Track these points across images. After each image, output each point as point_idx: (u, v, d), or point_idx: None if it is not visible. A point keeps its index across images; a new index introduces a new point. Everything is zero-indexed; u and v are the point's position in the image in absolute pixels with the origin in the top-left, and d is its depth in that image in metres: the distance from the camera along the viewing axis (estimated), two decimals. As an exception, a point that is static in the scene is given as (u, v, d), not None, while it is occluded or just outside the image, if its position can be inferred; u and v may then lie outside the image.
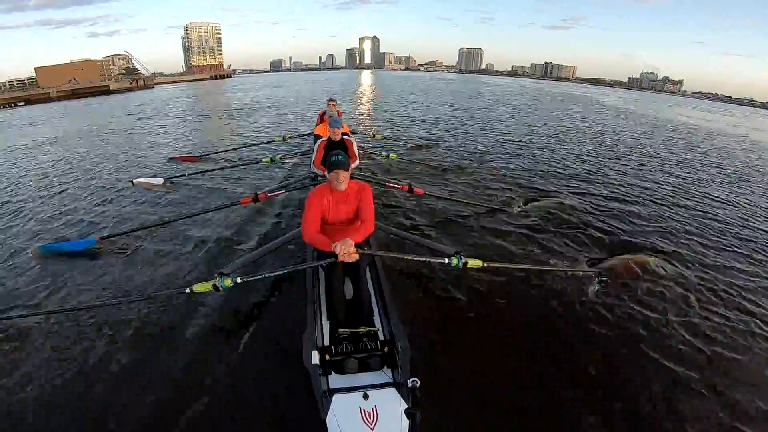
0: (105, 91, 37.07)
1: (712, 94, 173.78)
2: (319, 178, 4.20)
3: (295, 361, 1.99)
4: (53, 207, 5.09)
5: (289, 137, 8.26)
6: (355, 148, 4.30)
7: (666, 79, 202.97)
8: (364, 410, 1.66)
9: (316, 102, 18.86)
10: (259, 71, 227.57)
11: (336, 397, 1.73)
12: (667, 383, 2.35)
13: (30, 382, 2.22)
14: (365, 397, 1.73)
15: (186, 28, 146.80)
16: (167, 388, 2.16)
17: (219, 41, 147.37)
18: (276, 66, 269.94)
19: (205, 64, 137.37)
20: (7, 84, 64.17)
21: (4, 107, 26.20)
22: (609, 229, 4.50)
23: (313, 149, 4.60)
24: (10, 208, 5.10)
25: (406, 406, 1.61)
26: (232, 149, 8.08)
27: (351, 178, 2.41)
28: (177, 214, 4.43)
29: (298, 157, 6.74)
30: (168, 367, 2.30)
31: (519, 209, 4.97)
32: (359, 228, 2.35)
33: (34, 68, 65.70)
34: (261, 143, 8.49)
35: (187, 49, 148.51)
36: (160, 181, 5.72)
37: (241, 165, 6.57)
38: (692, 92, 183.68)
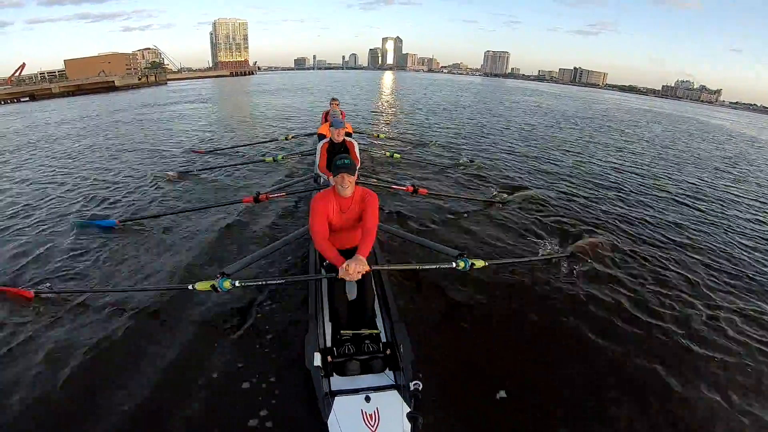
0: (110, 88, 34.07)
1: (753, 105, 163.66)
2: (322, 181, 4.16)
3: (297, 362, 2.13)
4: (83, 190, 5.64)
5: (292, 136, 8.30)
6: (356, 150, 4.22)
7: (703, 88, 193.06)
8: (365, 412, 1.65)
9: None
10: (284, 69, 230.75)
11: (338, 399, 1.72)
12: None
13: (35, 353, 2.34)
14: (367, 399, 1.72)
15: (214, 24, 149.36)
16: (166, 387, 2.13)
17: (245, 38, 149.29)
18: (300, 64, 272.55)
19: (231, 60, 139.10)
20: (39, 75, 65.76)
21: (5, 102, 25.23)
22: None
23: (315, 149, 4.72)
24: (48, 190, 5.66)
25: (407, 409, 1.64)
26: (240, 146, 8.28)
27: (356, 184, 2.36)
28: (186, 206, 4.78)
29: (300, 156, 6.73)
30: (168, 365, 2.27)
31: (511, 201, 5.28)
32: (365, 239, 2.22)
33: (64, 61, 67.71)
34: (265, 141, 8.64)
35: (214, 45, 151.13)
36: (174, 173, 6.04)
37: (246, 162, 6.77)
38: (730, 102, 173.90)
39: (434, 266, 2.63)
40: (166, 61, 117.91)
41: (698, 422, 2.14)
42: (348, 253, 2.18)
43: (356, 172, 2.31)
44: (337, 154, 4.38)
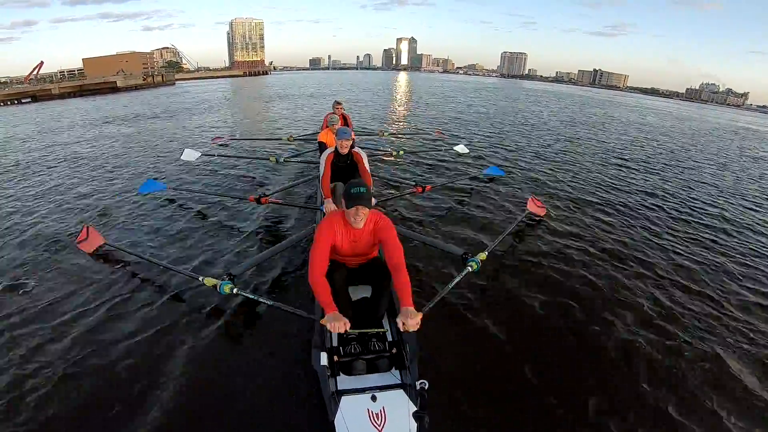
0: (112, 89, 31.34)
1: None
2: (321, 201, 3.82)
3: (303, 362, 2.11)
4: (137, 163, 7.12)
5: (294, 138, 8.15)
6: (366, 163, 3.89)
7: (729, 92, 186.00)
8: (372, 412, 1.64)
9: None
10: (299, 69, 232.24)
11: (344, 399, 1.70)
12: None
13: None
14: (373, 398, 1.70)
15: (231, 24, 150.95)
16: (170, 383, 2.12)
17: (261, 37, 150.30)
18: (315, 64, 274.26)
19: (247, 59, 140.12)
20: (58, 74, 66.83)
21: (5, 104, 23.74)
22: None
23: (317, 155, 5.03)
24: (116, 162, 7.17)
25: (414, 408, 1.63)
26: (245, 138, 8.81)
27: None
28: (207, 188, 5.54)
29: (300, 162, 6.56)
30: (172, 362, 2.26)
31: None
32: (401, 280, 1.96)
33: (82, 59, 68.68)
34: (272, 138, 8.79)
35: (231, 45, 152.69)
36: (198, 155, 6.66)
37: (253, 158, 6.97)
38: (757, 106, 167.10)
39: (456, 280, 2.64)
40: (183, 61, 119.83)
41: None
42: (356, 270, 2.29)
43: (371, 200, 2.15)
44: (344, 169, 3.79)
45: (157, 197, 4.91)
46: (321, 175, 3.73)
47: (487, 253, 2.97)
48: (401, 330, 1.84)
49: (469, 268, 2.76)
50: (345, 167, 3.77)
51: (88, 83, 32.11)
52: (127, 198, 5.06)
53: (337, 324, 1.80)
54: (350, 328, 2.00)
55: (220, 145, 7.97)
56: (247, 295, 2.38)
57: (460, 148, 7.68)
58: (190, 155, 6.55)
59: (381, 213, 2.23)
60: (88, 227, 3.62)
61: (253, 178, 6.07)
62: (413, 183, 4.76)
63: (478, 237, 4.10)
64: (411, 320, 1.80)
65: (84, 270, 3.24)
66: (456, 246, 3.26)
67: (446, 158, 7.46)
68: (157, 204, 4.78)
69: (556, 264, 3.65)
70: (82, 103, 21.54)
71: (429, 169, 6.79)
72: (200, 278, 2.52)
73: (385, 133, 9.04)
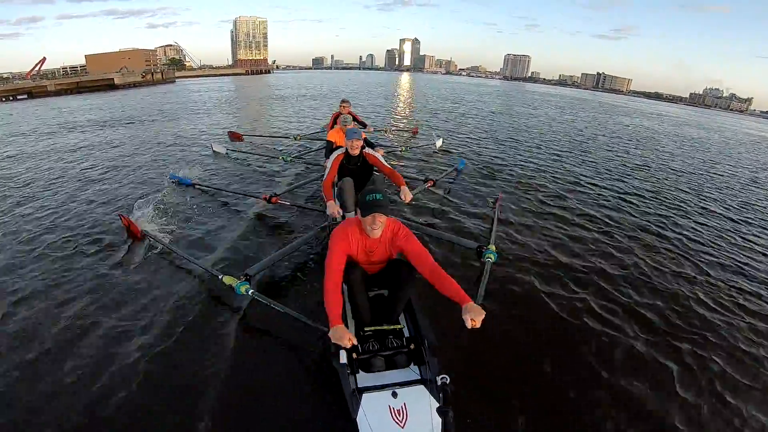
0: (110, 86, 30.47)
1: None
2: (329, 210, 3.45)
3: (323, 360, 2.16)
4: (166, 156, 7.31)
5: (300, 137, 8.16)
6: (383, 161, 3.64)
7: (733, 97, 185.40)
8: (393, 408, 1.63)
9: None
10: (302, 68, 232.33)
11: (365, 396, 1.70)
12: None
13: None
14: (394, 395, 1.70)
15: (235, 22, 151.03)
16: (189, 379, 2.11)
17: (265, 36, 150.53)
18: (318, 63, 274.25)
19: (250, 58, 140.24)
20: (61, 70, 66.89)
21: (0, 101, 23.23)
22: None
23: (324, 155, 4.95)
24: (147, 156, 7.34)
25: (436, 404, 1.60)
26: (262, 135, 8.77)
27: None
28: (227, 184, 5.49)
29: (307, 163, 6.46)
30: (191, 360, 2.25)
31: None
32: (445, 279, 1.95)
33: (85, 56, 68.78)
34: (278, 136, 8.73)
35: (234, 43, 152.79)
36: (223, 149, 7.16)
37: (265, 156, 6.97)
38: (761, 111, 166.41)
39: (487, 274, 2.75)
40: (187, 58, 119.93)
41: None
42: (373, 277, 2.26)
43: (389, 210, 2.03)
44: (355, 171, 3.61)
45: (181, 189, 5.06)
46: (325, 176, 3.53)
47: (493, 244, 3.17)
48: (469, 327, 1.80)
49: (489, 259, 2.92)
50: (356, 170, 3.60)
51: (84, 80, 31.79)
52: (158, 186, 5.25)
53: (342, 340, 1.77)
54: (367, 326, 2.13)
55: (236, 141, 8.20)
56: (260, 299, 2.44)
57: (439, 143, 8.00)
58: (219, 148, 7.13)
59: (399, 222, 2.19)
60: (122, 216, 3.78)
61: (264, 175, 6.06)
62: (422, 179, 4.89)
63: (480, 227, 4.25)
64: (478, 315, 1.79)
65: (119, 256, 3.40)
66: (467, 240, 3.40)
67: (433, 154, 7.63)
68: (180, 197, 4.81)
69: (569, 257, 3.72)
70: (72, 101, 20.96)
71: (425, 164, 6.85)
72: (220, 276, 2.62)
73: (388, 130, 9.18)
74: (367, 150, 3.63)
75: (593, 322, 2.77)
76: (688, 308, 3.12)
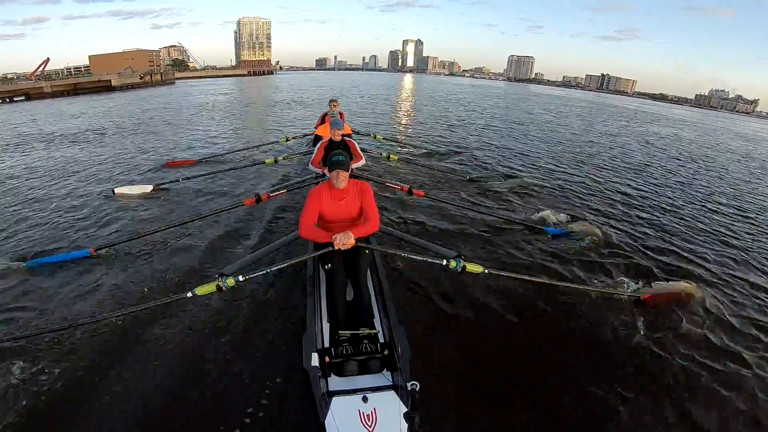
0: (107, 88, 30.11)
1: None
2: (319, 179, 4.17)
3: (295, 362, 2.09)
4: (35, 218, 4.59)
5: (292, 138, 8.32)
6: (357, 147, 4.56)
7: (739, 98, 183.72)
8: (363, 413, 1.65)
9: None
10: (305, 69, 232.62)
11: (335, 400, 1.72)
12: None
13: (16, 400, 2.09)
14: (364, 399, 1.72)
15: (238, 23, 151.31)
16: (163, 390, 2.12)
17: (269, 37, 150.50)
18: (321, 64, 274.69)
19: (253, 59, 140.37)
20: (65, 71, 67.11)
21: None
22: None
23: (313, 150, 4.89)
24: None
25: (405, 409, 1.64)
26: (234, 151, 7.98)
27: (351, 177, 2.57)
28: (173, 220, 4.23)
29: (300, 156, 6.72)
30: (164, 368, 2.27)
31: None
32: (365, 224, 2.44)
33: (88, 56, 69.08)
34: (264, 144, 8.58)
35: (238, 44, 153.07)
36: (148, 188, 5.34)
37: (243, 167, 6.50)
38: (767, 113, 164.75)
39: (422, 258, 2.54)
40: (190, 59, 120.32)
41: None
42: (346, 252, 2.32)
43: (351, 168, 2.52)
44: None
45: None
46: (312, 158, 4.48)
47: (486, 270, 2.62)
48: (333, 245, 2.13)
49: (446, 261, 2.48)
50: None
51: (82, 82, 31.61)
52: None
53: (340, 238, 2.19)
54: (342, 330, 2.18)
55: (185, 167, 6.82)
56: (254, 274, 2.29)
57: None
58: (132, 192, 5.28)
59: (363, 181, 2.66)
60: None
61: (244, 184, 5.82)
62: (400, 185, 4.69)
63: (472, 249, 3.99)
64: (342, 237, 2.20)
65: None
66: (449, 250, 2.85)
67: (461, 175, 6.60)
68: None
69: (550, 266, 3.73)
70: (59, 104, 20.47)
71: (426, 178, 6.35)
72: (188, 294, 2.30)
73: (378, 136, 9.05)
74: (348, 138, 4.66)
75: (568, 329, 2.83)
76: (683, 305, 3.14)
